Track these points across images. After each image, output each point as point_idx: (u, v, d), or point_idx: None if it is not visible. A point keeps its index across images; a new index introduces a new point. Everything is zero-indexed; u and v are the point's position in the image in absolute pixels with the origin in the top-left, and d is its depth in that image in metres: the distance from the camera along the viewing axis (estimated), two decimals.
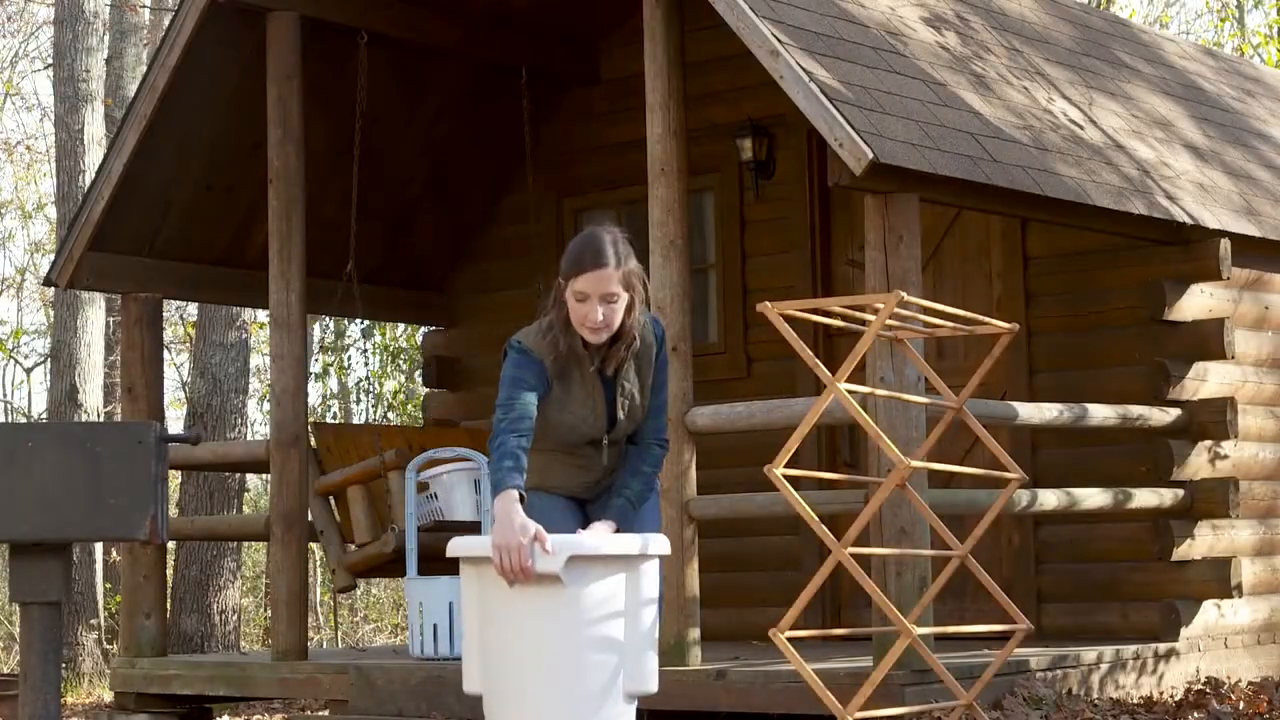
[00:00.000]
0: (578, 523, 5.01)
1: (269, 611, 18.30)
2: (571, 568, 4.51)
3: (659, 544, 4.74)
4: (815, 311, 7.45)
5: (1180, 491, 8.41)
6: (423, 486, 8.88)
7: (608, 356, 4.96)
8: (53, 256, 15.44)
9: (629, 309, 4.94)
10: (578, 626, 4.54)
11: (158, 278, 9.38)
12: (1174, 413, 8.42)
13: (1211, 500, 8.44)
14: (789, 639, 5.96)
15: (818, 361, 6.03)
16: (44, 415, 21.80)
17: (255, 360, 19.97)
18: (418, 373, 20.47)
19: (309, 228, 8.96)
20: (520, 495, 4.64)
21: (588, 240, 4.91)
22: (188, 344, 21.87)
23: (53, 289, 16.47)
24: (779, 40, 7.26)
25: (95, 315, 16.18)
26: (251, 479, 20.91)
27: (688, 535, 7.44)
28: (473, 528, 8.66)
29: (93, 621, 15.53)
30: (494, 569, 4.55)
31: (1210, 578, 8.45)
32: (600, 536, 4.73)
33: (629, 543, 4.66)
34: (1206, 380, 8.58)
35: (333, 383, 23.05)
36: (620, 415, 5.01)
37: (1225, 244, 8.54)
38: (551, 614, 4.54)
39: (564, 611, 4.53)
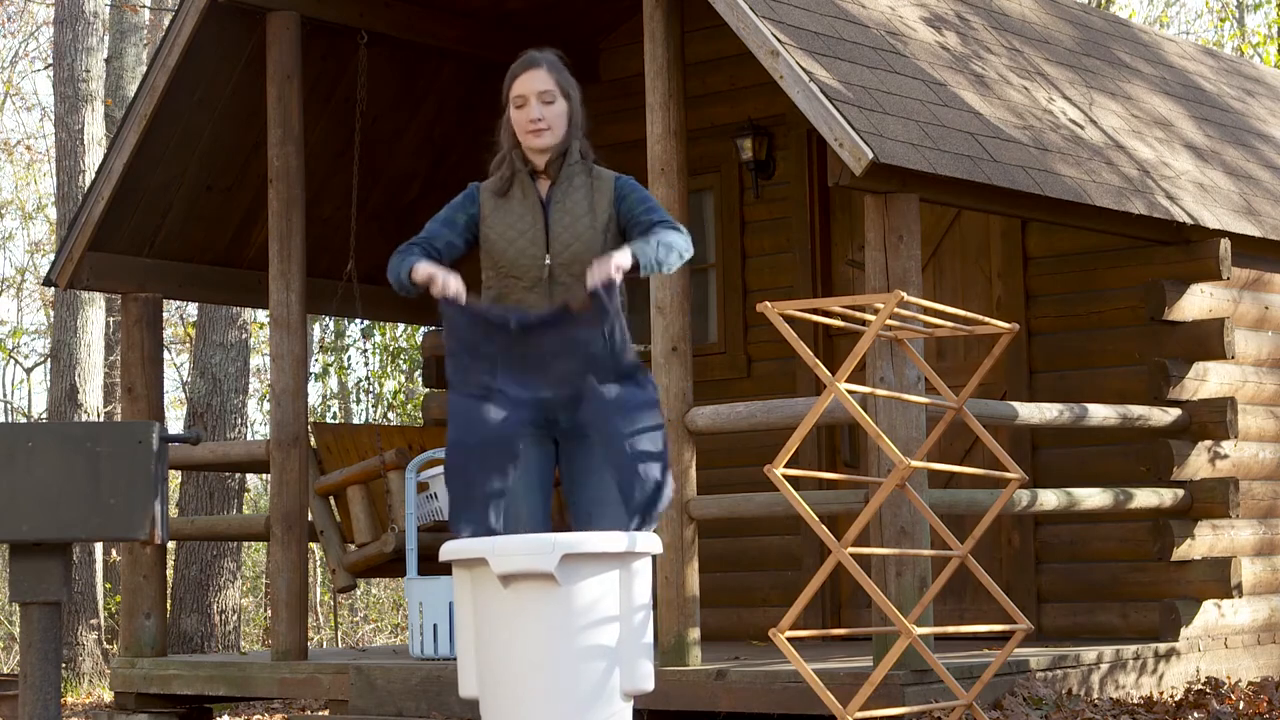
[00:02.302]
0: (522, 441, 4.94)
1: (269, 611, 18.30)
2: (564, 566, 4.51)
3: (650, 542, 4.73)
4: (815, 311, 7.45)
5: (1180, 491, 8.41)
6: (423, 486, 8.87)
7: (548, 158, 5.07)
8: (53, 256, 15.44)
9: (569, 123, 5.09)
10: (572, 625, 4.53)
11: (158, 278, 9.38)
12: (1174, 413, 8.41)
13: (1211, 500, 8.44)
14: (789, 639, 5.96)
15: (818, 361, 6.03)
16: (44, 415, 21.80)
17: (255, 360, 19.98)
18: (418, 373, 20.46)
19: (308, 228, 8.96)
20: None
21: (521, 55, 5.11)
22: (188, 344, 21.87)
23: (53, 289, 16.48)
24: (779, 40, 7.26)
25: (95, 315, 16.17)
26: (251, 479, 20.91)
27: (688, 535, 7.43)
28: None
29: (93, 621, 15.53)
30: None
31: (1210, 578, 8.45)
32: (597, 538, 4.69)
33: (620, 540, 4.64)
34: (1206, 380, 8.58)
35: (333, 383, 23.06)
36: (561, 232, 5.05)
37: (1225, 244, 8.53)
38: (545, 613, 4.53)
39: (558, 610, 4.53)
